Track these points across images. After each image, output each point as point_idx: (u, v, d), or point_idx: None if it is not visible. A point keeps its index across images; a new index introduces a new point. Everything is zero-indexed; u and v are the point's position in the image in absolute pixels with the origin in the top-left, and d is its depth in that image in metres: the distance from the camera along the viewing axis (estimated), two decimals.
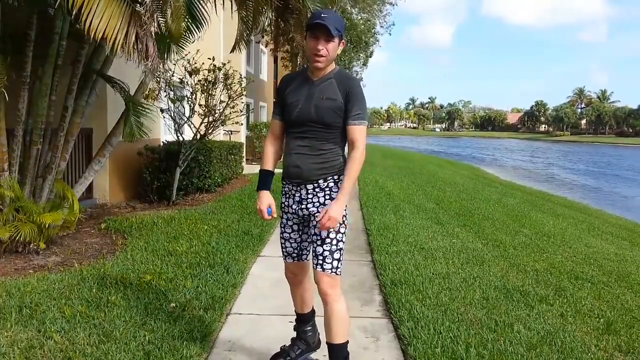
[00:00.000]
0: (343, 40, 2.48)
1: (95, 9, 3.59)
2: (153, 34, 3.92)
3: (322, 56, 2.38)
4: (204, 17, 6.01)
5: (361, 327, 3.35)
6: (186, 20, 5.43)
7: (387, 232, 6.11)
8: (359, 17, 23.22)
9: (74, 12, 3.63)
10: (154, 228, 5.87)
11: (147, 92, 6.02)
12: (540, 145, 79.57)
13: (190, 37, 6.11)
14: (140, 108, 5.67)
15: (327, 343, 2.54)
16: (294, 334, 2.85)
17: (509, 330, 3.35)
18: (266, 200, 2.58)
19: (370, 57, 26.87)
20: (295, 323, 2.86)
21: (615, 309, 4.00)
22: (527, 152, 57.26)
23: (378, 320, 3.54)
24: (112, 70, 6.00)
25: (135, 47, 3.84)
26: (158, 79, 6.94)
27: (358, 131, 2.42)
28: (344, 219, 2.48)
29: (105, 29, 3.66)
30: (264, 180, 2.64)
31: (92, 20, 3.60)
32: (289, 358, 2.75)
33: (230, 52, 8.06)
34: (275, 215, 2.57)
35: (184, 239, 5.39)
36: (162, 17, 4.39)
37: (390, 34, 42.76)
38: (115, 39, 3.71)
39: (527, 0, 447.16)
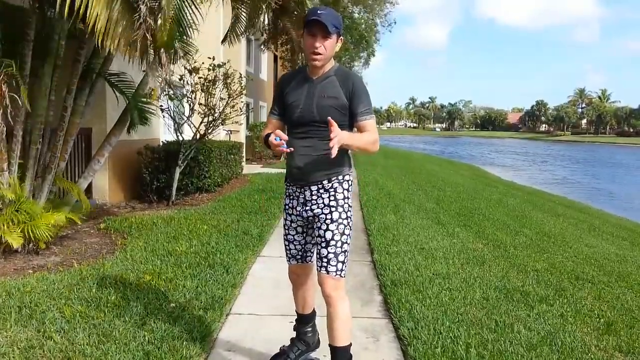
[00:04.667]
0: (341, 37, 2.43)
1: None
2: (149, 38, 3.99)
3: (320, 54, 2.33)
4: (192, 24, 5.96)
5: (361, 328, 3.34)
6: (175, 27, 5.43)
7: (388, 232, 6.10)
8: (360, 16, 23.23)
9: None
10: (154, 228, 5.86)
11: (150, 92, 6.02)
12: (535, 145, 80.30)
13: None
14: (143, 101, 5.71)
15: (329, 345, 2.49)
16: (294, 334, 2.84)
17: (509, 330, 3.35)
18: (273, 134, 2.31)
19: (373, 55, 26.86)
20: (295, 323, 2.84)
21: (615, 309, 4.00)
22: (519, 151, 63.01)
23: (378, 321, 3.54)
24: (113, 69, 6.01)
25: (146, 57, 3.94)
26: (159, 78, 6.96)
27: (370, 125, 2.39)
28: (349, 220, 2.46)
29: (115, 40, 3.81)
30: (269, 134, 2.37)
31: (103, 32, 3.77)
32: (288, 359, 2.74)
33: (222, 43, 8.06)
34: (286, 138, 2.29)
35: (183, 239, 5.38)
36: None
37: (390, 32, 42.70)
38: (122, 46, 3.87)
39: (528, 1, 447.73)
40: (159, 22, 4.14)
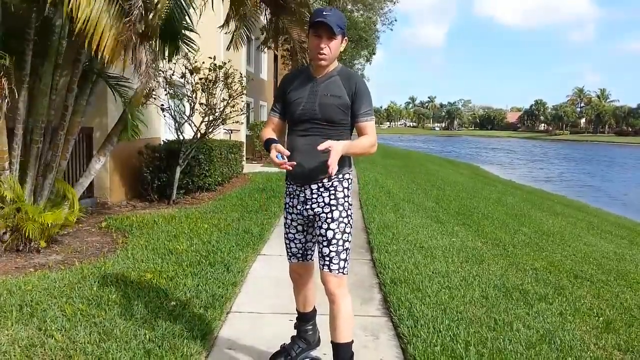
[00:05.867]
0: (346, 38, 2.47)
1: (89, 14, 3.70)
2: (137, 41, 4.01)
3: (325, 54, 2.37)
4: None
5: (361, 326, 3.35)
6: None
7: (387, 230, 6.12)
8: (360, 15, 23.31)
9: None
10: (155, 227, 5.87)
11: (146, 92, 6.02)
12: (534, 144, 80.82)
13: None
14: (136, 110, 5.73)
15: (332, 342, 2.51)
16: (294, 332, 2.85)
17: (508, 328, 3.36)
18: (273, 150, 2.35)
19: (374, 54, 26.97)
20: (296, 321, 2.86)
21: (614, 307, 4.02)
22: (518, 149, 64.65)
23: (378, 319, 3.55)
24: (114, 69, 6.00)
25: (129, 56, 3.96)
26: (157, 78, 6.98)
27: (369, 127, 2.44)
28: (350, 218, 2.47)
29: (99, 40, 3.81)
30: (270, 141, 2.44)
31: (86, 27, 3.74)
32: (289, 357, 2.75)
33: (227, 50, 8.10)
34: (287, 153, 2.34)
35: (184, 237, 5.40)
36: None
37: (391, 30, 43.01)
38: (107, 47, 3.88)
39: (528, 2, 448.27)
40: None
